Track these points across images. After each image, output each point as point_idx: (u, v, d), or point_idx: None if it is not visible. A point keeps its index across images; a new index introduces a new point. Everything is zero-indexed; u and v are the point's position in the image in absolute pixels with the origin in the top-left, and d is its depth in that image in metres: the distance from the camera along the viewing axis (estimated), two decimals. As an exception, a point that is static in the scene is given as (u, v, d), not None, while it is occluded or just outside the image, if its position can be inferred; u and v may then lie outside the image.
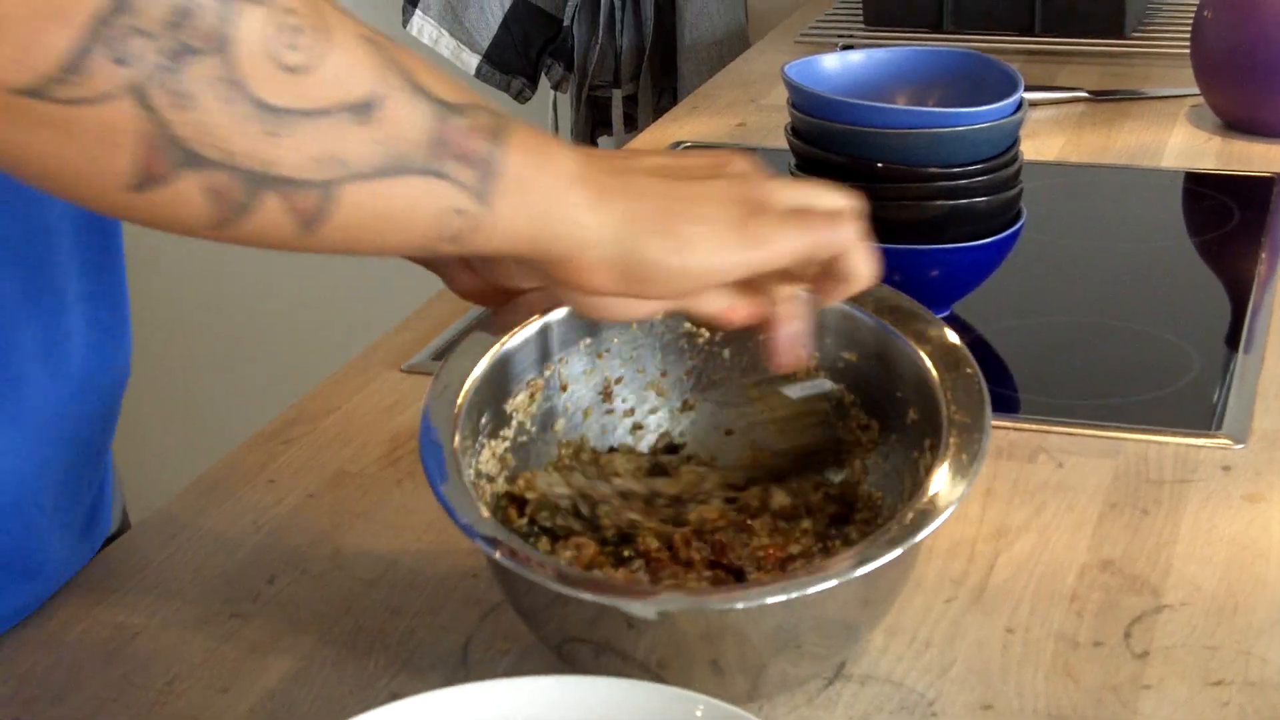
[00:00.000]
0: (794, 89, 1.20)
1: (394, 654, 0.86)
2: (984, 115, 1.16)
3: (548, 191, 0.72)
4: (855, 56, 1.25)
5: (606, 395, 0.93)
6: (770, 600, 0.73)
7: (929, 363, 0.87)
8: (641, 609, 0.74)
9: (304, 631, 0.89)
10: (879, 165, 1.16)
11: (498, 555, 0.75)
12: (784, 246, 0.77)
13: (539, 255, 0.74)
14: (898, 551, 0.74)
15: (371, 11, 2.38)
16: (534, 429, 0.90)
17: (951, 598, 0.90)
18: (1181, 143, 1.60)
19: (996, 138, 1.17)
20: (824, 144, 1.19)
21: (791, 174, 1.23)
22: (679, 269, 0.75)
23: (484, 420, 0.86)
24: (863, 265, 0.80)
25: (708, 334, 0.93)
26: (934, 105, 1.21)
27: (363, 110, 0.65)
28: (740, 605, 0.74)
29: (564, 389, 0.91)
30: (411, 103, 0.67)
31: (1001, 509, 0.98)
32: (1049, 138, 1.63)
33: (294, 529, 0.99)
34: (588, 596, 0.74)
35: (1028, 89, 1.71)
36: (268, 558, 0.96)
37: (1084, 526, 0.96)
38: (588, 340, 0.92)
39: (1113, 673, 0.83)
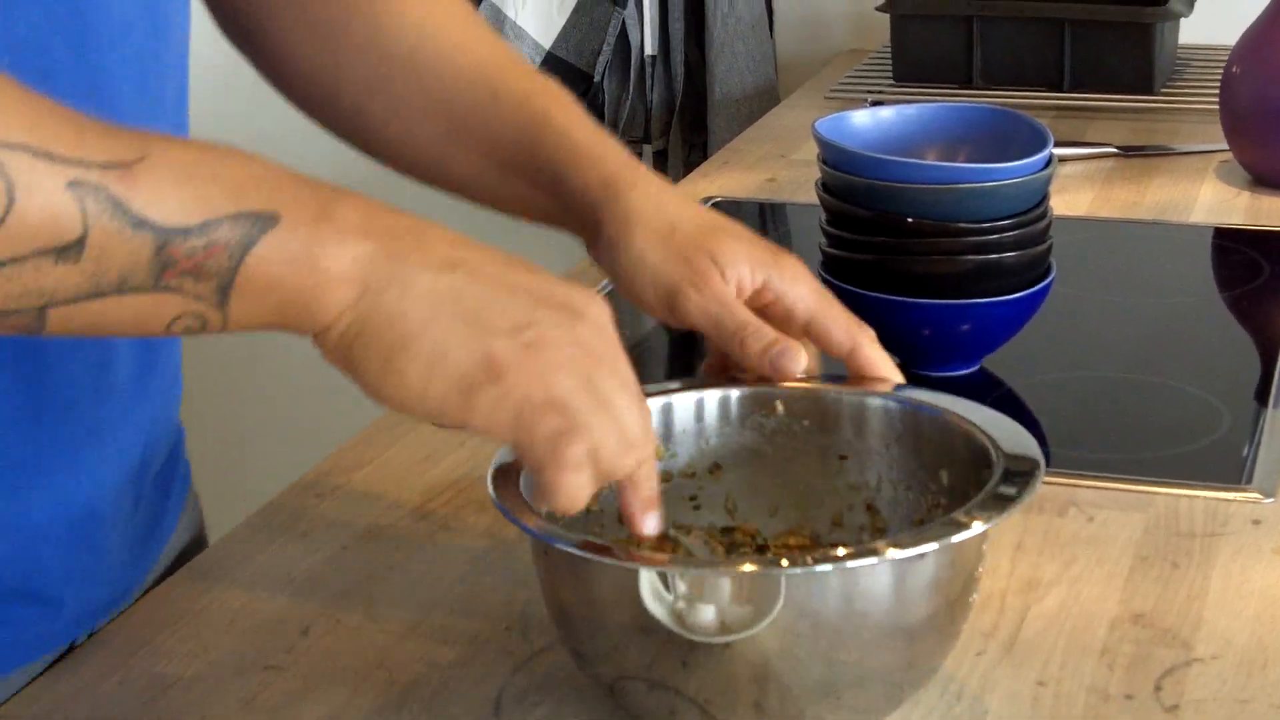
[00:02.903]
0: (824, 145, 1.21)
1: (426, 705, 0.87)
2: (1013, 171, 1.17)
3: (296, 292, 0.73)
4: (885, 113, 1.26)
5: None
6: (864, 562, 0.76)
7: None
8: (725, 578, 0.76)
9: (338, 684, 0.89)
10: (909, 220, 1.17)
11: (578, 548, 0.77)
12: (487, 431, 0.75)
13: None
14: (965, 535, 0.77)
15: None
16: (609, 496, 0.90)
17: (982, 650, 0.90)
18: (1211, 198, 1.61)
19: (1026, 193, 1.18)
20: (854, 199, 1.20)
21: (823, 230, 1.23)
22: (378, 396, 0.75)
23: None
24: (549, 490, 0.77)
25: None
26: (964, 161, 1.22)
27: (68, 251, 0.68)
28: (809, 569, 0.76)
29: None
30: (122, 236, 0.69)
31: (1032, 562, 0.98)
32: (1078, 193, 1.63)
33: (328, 581, 0.99)
34: (667, 570, 0.76)
35: (1057, 145, 1.72)
36: (302, 610, 0.96)
37: (1115, 579, 0.96)
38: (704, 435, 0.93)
39: (1144, 726, 0.83)
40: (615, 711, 0.84)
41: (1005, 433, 0.86)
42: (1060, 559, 0.99)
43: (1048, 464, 1.09)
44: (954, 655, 0.89)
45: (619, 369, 0.78)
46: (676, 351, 1.39)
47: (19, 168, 0.67)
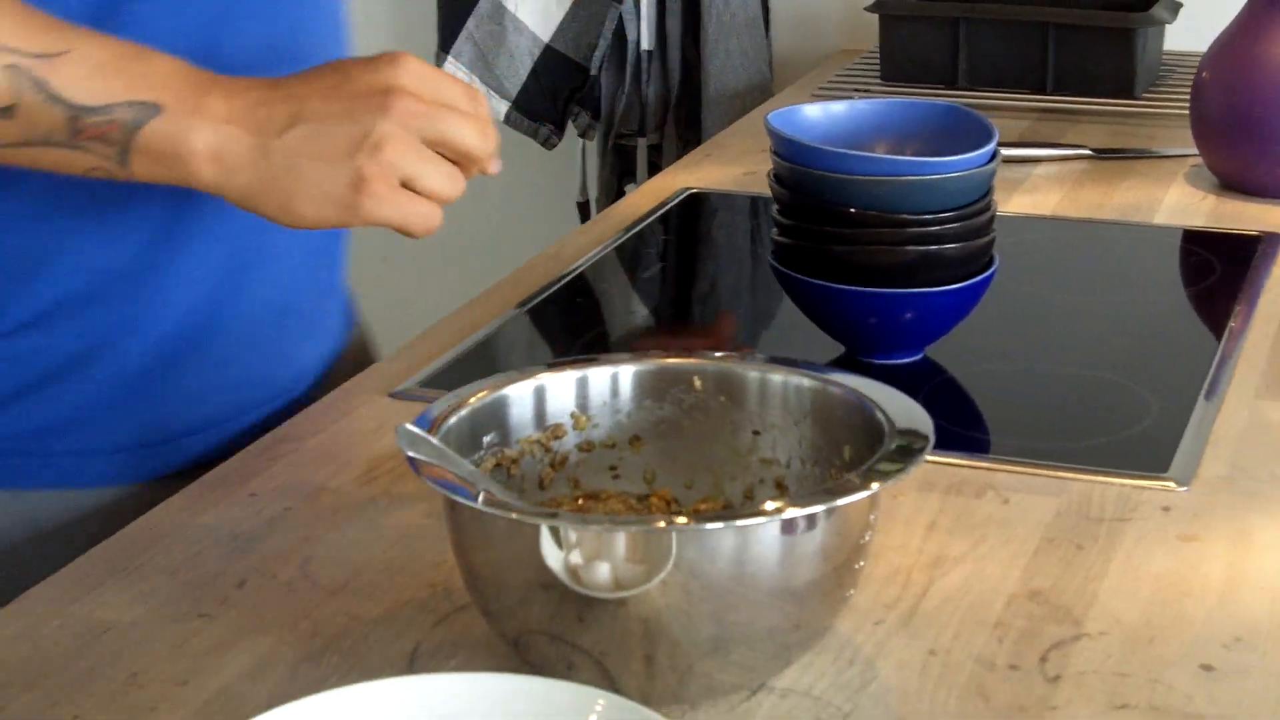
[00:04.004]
0: (775, 136, 1.25)
1: (346, 656, 0.91)
2: (956, 165, 1.20)
3: (175, 162, 0.99)
4: (837, 107, 1.30)
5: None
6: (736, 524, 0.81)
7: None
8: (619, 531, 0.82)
9: (265, 633, 0.94)
10: (852, 210, 1.21)
11: (480, 501, 0.82)
12: (376, 219, 1.00)
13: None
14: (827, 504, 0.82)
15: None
16: (531, 463, 0.95)
17: (881, 620, 0.94)
18: (1176, 201, 1.64)
19: (968, 187, 1.22)
20: (803, 189, 1.24)
21: (774, 219, 1.27)
22: (285, 221, 1.00)
23: (488, 438, 0.93)
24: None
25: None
26: (911, 155, 1.25)
27: (6, 111, 0.96)
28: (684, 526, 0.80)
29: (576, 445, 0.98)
30: (44, 108, 0.96)
31: (942, 540, 1.02)
32: (1047, 193, 1.67)
33: (268, 539, 1.04)
34: (580, 527, 0.81)
35: (1034, 145, 1.77)
36: (240, 565, 1.01)
37: (1019, 559, 1.00)
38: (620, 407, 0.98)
39: (1023, 694, 0.87)
40: (522, 666, 0.88)
41: (901, 409, 0.90)
42: (970, 538, 1.03)
43: (975, 449, 1.14)
44: (853, 623, 0.93)
45: (442, 101, 1.00)
46: (583, 320, 1.45)
47: None
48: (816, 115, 1.29)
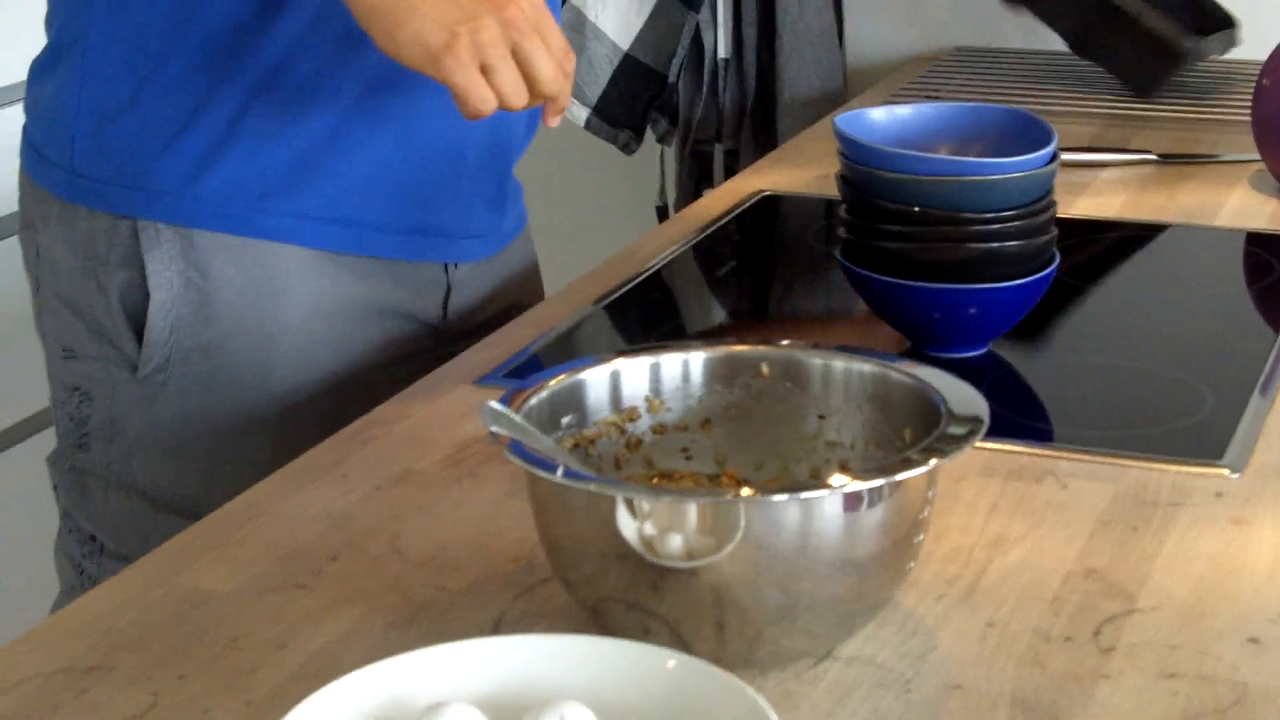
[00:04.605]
0: (843, 139, 1.30)
1: (433, 624, 0.97)
2: (1017, 165, 1.25)
3: None
4: (903, 110, 1.35)
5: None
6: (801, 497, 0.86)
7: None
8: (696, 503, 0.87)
9: (356, 603, 0.99)
10: (917, 209, 1.25)
11: (559, 474, 0.87)
12: (448, 77, 1.15)
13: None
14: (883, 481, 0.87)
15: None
16: (608, 444, 1.01)
17: (943, 595, 0.98)
18: (1238, 204, 1.68)
19: (1028, 186, 1.26)
20: (869, 190, 1.28)
21: (842, 219, 1.32)
22: (382, 42, 1.16)
23: (567, 420, 0.99)
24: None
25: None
26: (974, 156, 1.30)
27: None
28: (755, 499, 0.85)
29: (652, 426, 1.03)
30: None
31: (1002, 523, 1.07)
32: (1112, 196, 1.71)
33: (359, 517, 1.09)
34: (654, 499, 0.87)
35: (1101, 150, 1.81)
36: (333, 540, 1.07)
37: (1075, 540, 1.04)
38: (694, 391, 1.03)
39: (1077, 664, 0.91)
40: (600, 634, 0.93)
41: (959, 394, 0.95)
42: (1029, 521, 1.07)
43: (1036, 437, 1.18)
44: (915, 597, 0.98)
45: (542, 34, 1.17)
46: (659, 315, 1.50)
47: None
48: (883, 119, 1.34)
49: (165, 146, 1.31)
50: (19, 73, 1.45)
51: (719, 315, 1.57)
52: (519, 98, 1.17)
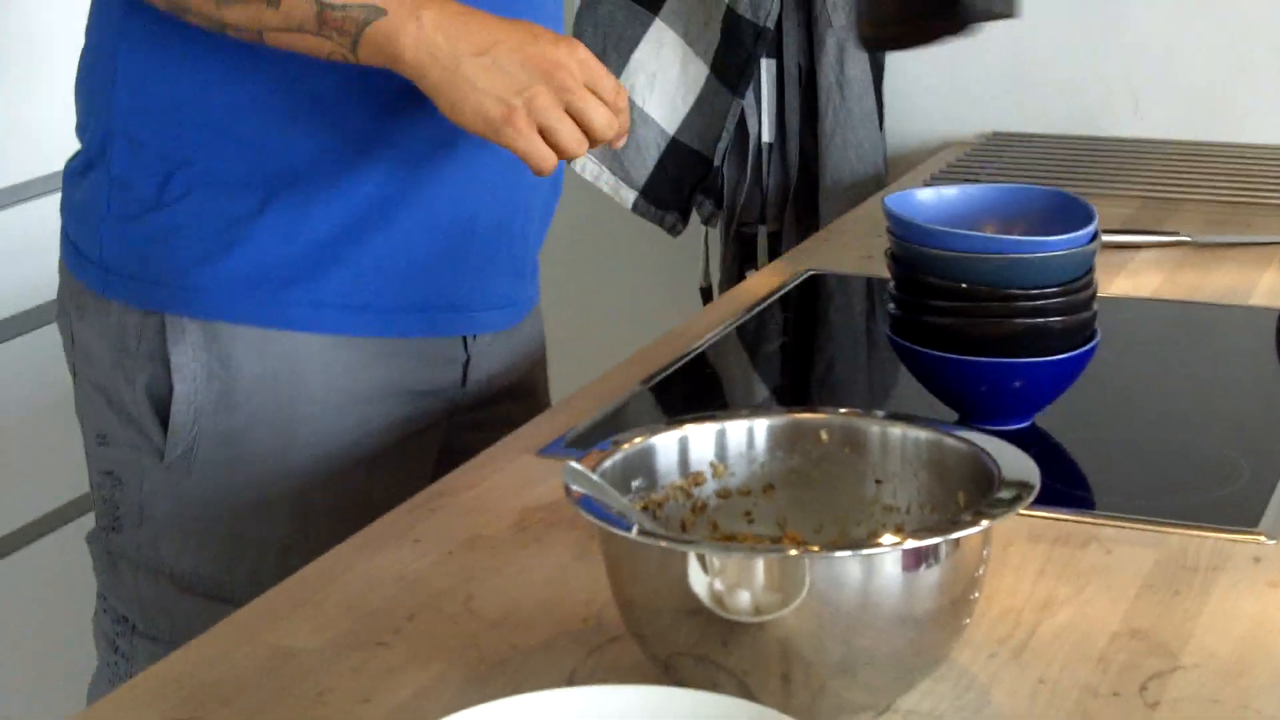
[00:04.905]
0: (892, 217, 1.36)
1: (509, 680, 1.02)
2: (1059, 244, 1.30)
3: (389, 55, 1.29)
4: (949, 191, 1.40)
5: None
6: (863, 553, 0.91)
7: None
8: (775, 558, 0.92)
9: (434, 660, 1.04)
10: (964, 285, 1.31)
11: (635, 532, 0.93)
12: (510, 144, 1.29)
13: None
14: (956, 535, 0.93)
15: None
16: (674, 507, 1.06)
17: (995, 653, 1.03)
18: (1270, 284, 1.73)
19: (1072, 264, 1.31)
20: (918, 267, 1.34)
21: (890, 295, 1.38)
22: (448, 115, 1.29)
23: (636, 483, 1.03)
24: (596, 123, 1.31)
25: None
26: (1018, 235, 1.35)
27: (272, 3, 1.27)
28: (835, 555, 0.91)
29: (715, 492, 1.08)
30: (303, 3, 1.27)
31: (1050, 585, 1.11)
32: (1148, 276, 1.76)
33: (433, 579, 1.15)
34: (724, 555, 0.92)
35: (1136, 232, 1.86)
36: (409, 601, 1.12)
37: (1121, 602, 1.09)
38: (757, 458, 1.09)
39: (1125, 716, 0.96)
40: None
41: (1011, 459, 1.00)
42: (1075, 584, 1.12)
43: (1080, 505, 1.23)
44: (969, 655, 1.02)
45: (592, 87, 1.31)
46: (707, 399, 1.55)
47: None
48: (930, 198, 1.40)
49: (187, 243, 1.38)
50: (57, 162, 1.52)
51: (763, 394, 1.62)
52: (579, 149, 1.31)
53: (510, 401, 1.55)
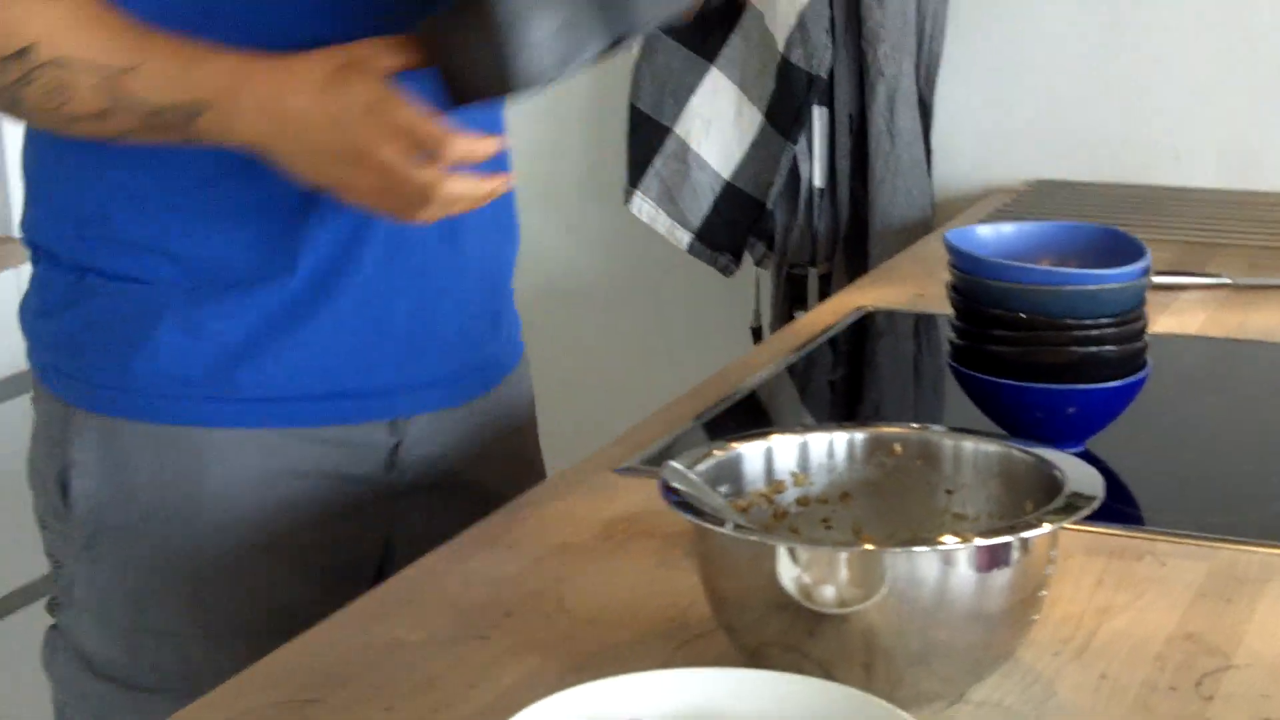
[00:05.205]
0: (954, 251, 1.43)
1: (603, 670, 1.07)
2: (1113, 277, 1.38)
3: (226, 141, 1.26)
4: (1007, 228, 1.48)
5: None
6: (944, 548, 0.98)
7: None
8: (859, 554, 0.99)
9: (532, 652, 1.12)
10: (1022, 316, 1.38)
11: (730, 528, 1.00)
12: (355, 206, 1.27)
13: None
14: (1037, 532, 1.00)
15: (596, 191, 2.67)
16: (758, 513, 1.13)
17: (1059, 652, 1.10)
18: (1310, 325, 1.81)
19: (1124, 296, 1.39)
20: (978, 298, 1.41)
21: (952, 325, 1.45)
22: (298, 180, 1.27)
23: (723, 489, 1.10)
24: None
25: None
26: (1072, 268, 1.42)
27: (102, 115, 1.25)
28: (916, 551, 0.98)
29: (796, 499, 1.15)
30: (127, 111, 1.25)
31: (1108, 594, 1.19)
32: (1192, 315, 1.84)
33: (526, 580, 1.22)
34: (811, 550, 1.00)
35: (1180, 273, 1.94)
36: (505, 599, 1.19)
37: (1175, 609, 1.16)
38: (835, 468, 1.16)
39: (1181, 709, 1.03)
40: (755, 677, 1.05)
41: (1077, 472, 1.07)
42: (1133, 592, 1.19)
43: (1134, 521, 1.30)
44: (1035, 653, 1.10)
45: (419, 143, 1.23)
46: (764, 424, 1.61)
47: (74, 72, 1.24)
48: (988, 234, 1.47)
49: (94, 341, 1.37)
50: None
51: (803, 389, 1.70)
52: (465, 206, 1.26)
53: (485, 475, 1.49)
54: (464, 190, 1.25)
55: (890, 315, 1.90)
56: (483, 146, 1.25)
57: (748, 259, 2.52)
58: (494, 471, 1.50)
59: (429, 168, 1.22)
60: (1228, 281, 1.94)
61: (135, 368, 1.35)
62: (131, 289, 1.35)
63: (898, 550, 0.98)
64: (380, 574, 1.42)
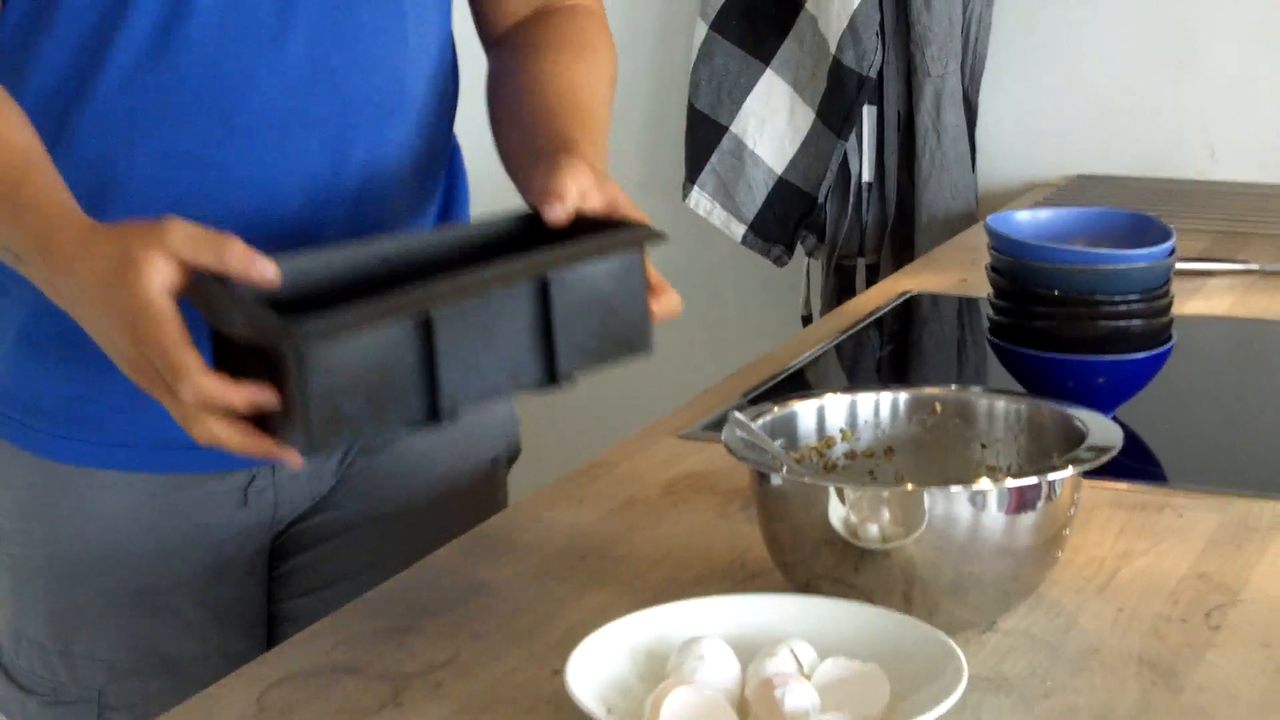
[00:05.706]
0: (994, 234, 1.55)
1: (669, 602, 1.21)
2: (1141, 257, 1.49)
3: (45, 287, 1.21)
4: (1044, 213, 1.60)
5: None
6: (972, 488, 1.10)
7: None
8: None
9: (606, 588, 1.24)
10: (1056, 293, 1.50)
11: (784, 472, 1.12)
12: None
13: None
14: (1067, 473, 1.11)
15: (655, 187, 2.78)
16: (809, 465, 1.25)
17: (1081, 589, 1.22)
18: (1333, 307, 1.91)
19: (1150, 276, 1.50)
20: (1016, 277, 1.53)
21: (990, 303, 1.57)
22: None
23: (778, 442, 1.22)
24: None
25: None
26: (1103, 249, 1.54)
27: None
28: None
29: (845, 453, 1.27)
30: None
31: (1129, 541, 1.30)
32: (1221, 298, 1.95)
33: (599, 529, 1.34)
34: (857, 490, 1.11)
35: (1209, 260, 2.04)
36: (580, 545, 1.31)
37: (1190, 554, 1.27)
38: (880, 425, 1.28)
39: (1191, 636, 1.14)
40: (806, 609, 1.17)
41: (1099, 426, 1.19)
42: (1150, 539, 1.30)
43: (1156, 479, 1.41)
44: (1060, 590, 1.21)
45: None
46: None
47: None
48: (1027, 219, 1.59)
49: None
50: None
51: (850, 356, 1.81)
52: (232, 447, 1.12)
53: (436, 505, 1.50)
54: (221, 435, 1.11)
55: (935, 299, 2.01)
56: (237, 399, 1.10)
57: (799, 250, 2.64)
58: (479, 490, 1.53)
59: (183, 393, 1.10)
60: (1256, 268, 2.04)
61: None
62: None
63: (935, 490, 1.10)
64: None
